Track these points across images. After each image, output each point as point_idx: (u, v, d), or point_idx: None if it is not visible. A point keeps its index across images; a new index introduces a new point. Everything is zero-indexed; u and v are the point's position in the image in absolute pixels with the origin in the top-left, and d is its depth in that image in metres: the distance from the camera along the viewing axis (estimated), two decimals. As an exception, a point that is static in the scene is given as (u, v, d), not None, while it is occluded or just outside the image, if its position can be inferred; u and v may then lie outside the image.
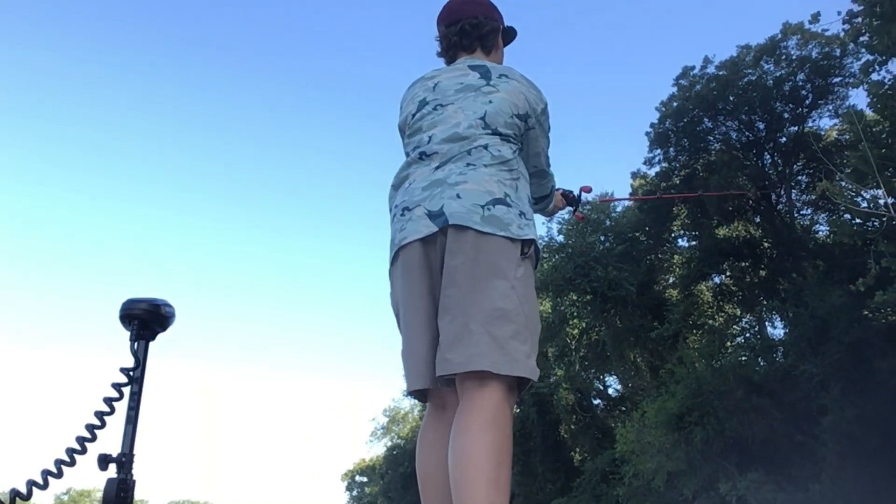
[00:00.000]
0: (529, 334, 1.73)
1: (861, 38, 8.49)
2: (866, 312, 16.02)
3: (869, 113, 8.59)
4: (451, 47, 2.25)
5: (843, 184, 9.04)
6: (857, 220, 10.92)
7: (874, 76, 8.61)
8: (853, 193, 8.77)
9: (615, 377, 24.65)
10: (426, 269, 1.83)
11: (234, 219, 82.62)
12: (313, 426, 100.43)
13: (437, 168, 1.92)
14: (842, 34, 8.56)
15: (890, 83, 8.32)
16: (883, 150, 8.14)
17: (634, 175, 21.29)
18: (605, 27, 52.20)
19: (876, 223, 10.79)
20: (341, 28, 73.84)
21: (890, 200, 7.69)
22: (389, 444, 42.24)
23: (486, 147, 1.91)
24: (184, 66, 76.46)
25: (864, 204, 8.87)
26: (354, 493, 48.62)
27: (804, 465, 14.05)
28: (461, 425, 1.62)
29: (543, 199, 2.39)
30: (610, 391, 25.45)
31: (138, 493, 1.39)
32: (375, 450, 46.83)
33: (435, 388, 1.82)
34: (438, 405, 1.87)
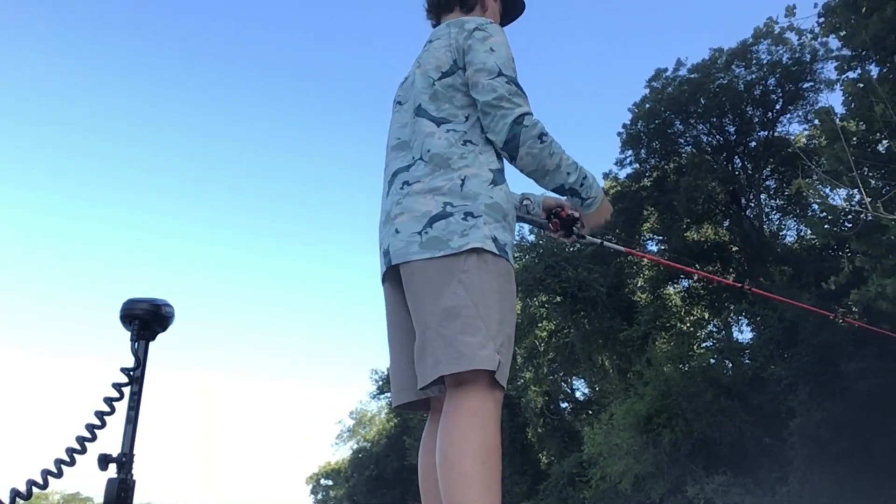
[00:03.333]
0: (483, 322, 1.63)
1: (839, 32, 8.38)
2: (833, 315, 16.09)
3: (841, 113, 8.52)
4: (433, 7, 2.09)
5: (818, 184, 8.94)
6: (827, 225, 10.84)
7: (850, 73, 8.58)
8: (827, 192, 8.70)
9: (582, 380, 24.59)
10: (399, 293, 1.82)
11: (207, 219, 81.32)
12: (279, 428, 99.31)
13: (388, 196, 1.86)
14: (817, 29, 8.46)
15: (865, 81, 8.25)
16: (853, 149, 8.04)
17: (606, 176, 21.24)
18: (579, 24, 52.11)
19: (847, 225, 10.76)
20: (343, 30, 72.85)
21: (864, 199, 7.59)
22: (355, 446, 41.80)
23: (421, 157, 1.78)
24: (184, 67, 74.93)
25: (839, 202, 8.79)
26: (319, 496, 48.06)
27: (772, 468, 14.03)
28: (442, 428, 1.61)
29: (539, 174, 1.79)
30: (577, 394, 25.39)
31: (138, 494, 1.40)
32: (341, 453, 46.34)
33: (430, 396, 1.82)
34: (437, 409, 1.85)
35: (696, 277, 21.74)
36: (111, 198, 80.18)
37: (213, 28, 75.26)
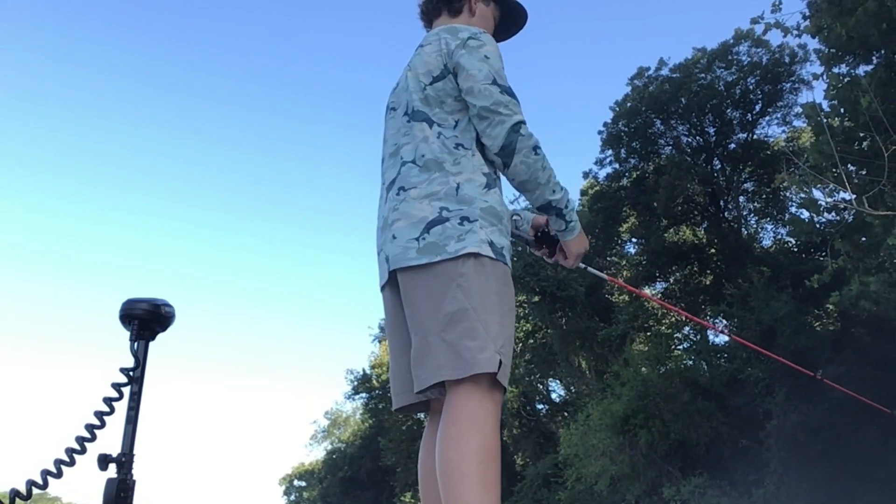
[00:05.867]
0: (482, 326, 1.66)
1: (823, 33, 8.30)
2: (810, 319, 16.12)
3: (829, 103, 8.43)
4: (424, 14, 2.15)
5: (801, 179, 8.84)
6: (808, 220, 10.72)
7: (834, 68, 8.49)
8: (810, 189, 8.59)
9: (558, 382, 24.47)
10: (399, 298, 1.85)
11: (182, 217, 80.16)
12: (253, 428, 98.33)
13: (385, 202, 1.89)
14: (802, 26, 8.36)
15: (851, 75, 8.16)
16: (839, 144, 7.93)
17: (586, 175, 21.13)
18: (564, 20, 51.71)
19: (827, 222, 10.69)
20: (341, 29, 71.88)
21: (848, 195, 7.49)
22: (330, 447, 41.33)
23: (414, 161, 1.82)
24: (183, 66, 73.58)
25: (820, 199, 8.71)
26: (292, 497, 47.54)
27: (748, 470, 13.96)
28: (441, 429, 1.65)
29: (530, 186, 1.80)
30: (553, 396, 25.28)
31: (137, 494, 1.41)
32: (315, 453, 45.87)
33: (428, 399, 1.85)
34: (437, 410, 1.89)
35: (671, 280, 21.78)
36: (111, 198, 78.91)
37: (213, 29, 74.14)
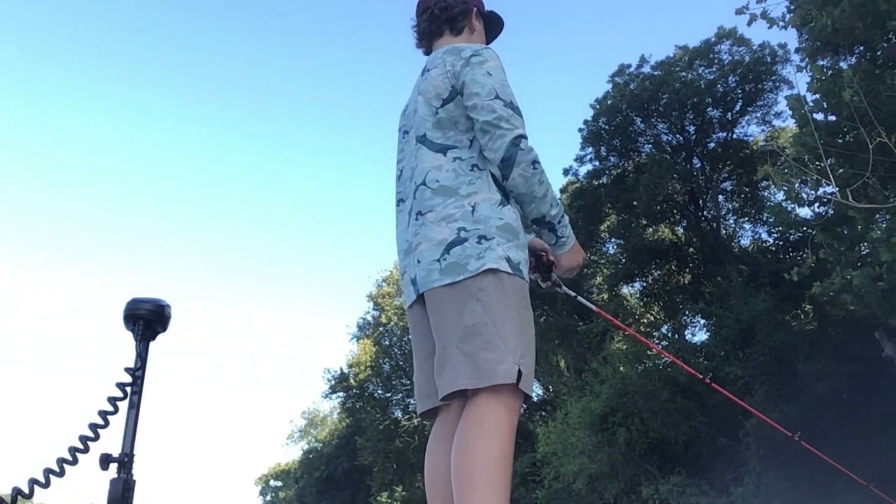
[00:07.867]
0: (500, 338, 1.73)
1: (808, 25, 8.22)
2: (788, 318, 16.13)
3: (809, 104, 8.37)
4: (423, 35, 2.20)
5: (785, 171, 8.76)
6: (790, 209, 10.64)
7: (819, 61, 8.44)
8: (793, 182, 8.51)
9: (536, 381, 24.35)
10: (424, 315, 1.93)
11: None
12: (228, 427, 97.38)
13: (407, 226, 1.95)
14: (786, 18, 8.28)
15: (834, 68, 8.11)
16: (822, 136, 7.84)
17: (566, 172, 21.03)
18: (546, 15, 51.24)
19: (807, 215, 10.64)
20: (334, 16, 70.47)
21: (831, 189, 7.42)
22: (306, 447, 40.97)
23: (425, 183, 1.88)
24: (183, 64, 71.91)
25: (804, 193, 8.65)
26: (268, 497, 47.16)
27: (726, 469, 13.91)
28: (458, 434, 1.72)
29: (526, 199, 1.87)
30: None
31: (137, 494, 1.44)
32: (292, 453, 45.50)
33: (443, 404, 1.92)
34: (445, 411, 1.96)
35: (650, 279, 21.76)
36: (107, 196, 77.35)
37: (212, 32, 72.73)
